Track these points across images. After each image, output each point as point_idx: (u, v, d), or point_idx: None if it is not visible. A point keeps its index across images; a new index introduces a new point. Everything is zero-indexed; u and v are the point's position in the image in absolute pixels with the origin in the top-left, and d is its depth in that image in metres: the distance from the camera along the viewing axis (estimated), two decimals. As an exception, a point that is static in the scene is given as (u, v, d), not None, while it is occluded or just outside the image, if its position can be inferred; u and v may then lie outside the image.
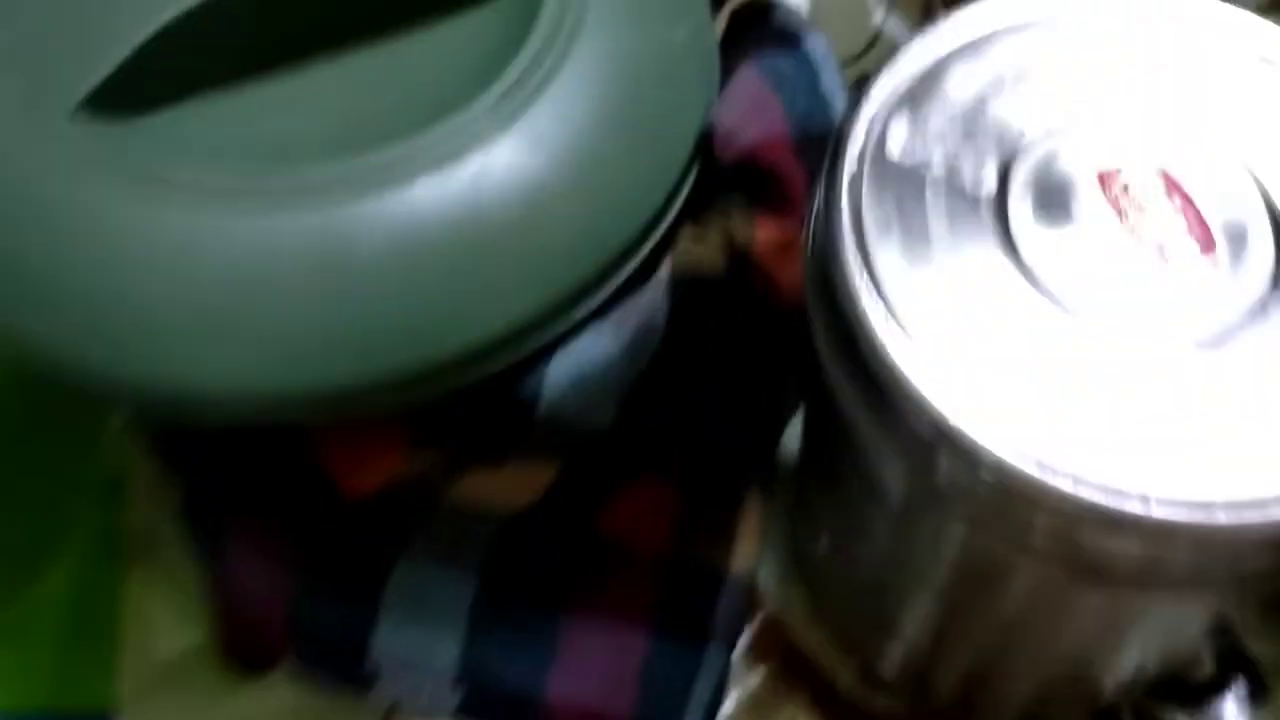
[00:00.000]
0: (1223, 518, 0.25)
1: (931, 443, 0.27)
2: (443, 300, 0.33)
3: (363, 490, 0.36)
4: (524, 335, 0.34)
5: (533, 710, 0.40)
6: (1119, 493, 0.25)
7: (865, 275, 0.28)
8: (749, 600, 0.43)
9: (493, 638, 0.40)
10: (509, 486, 0.38)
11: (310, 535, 0.39)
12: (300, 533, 0.39)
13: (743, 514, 0.42)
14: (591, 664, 0.41)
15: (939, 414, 0.26)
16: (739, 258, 0.38)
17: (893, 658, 0.41)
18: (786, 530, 0.44)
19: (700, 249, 0.38)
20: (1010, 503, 0.27)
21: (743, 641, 0.43)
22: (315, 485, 0.36)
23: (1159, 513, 0.25)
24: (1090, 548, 0.27)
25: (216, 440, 0.38)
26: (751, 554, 0.42)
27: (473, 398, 0.34)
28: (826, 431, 0.35)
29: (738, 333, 0.39)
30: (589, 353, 0.35)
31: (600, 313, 0.35)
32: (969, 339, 0.27)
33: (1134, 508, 0.25)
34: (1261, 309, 0.28)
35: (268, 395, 0.32)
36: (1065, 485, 0.25)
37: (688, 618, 0.41)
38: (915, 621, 0.37)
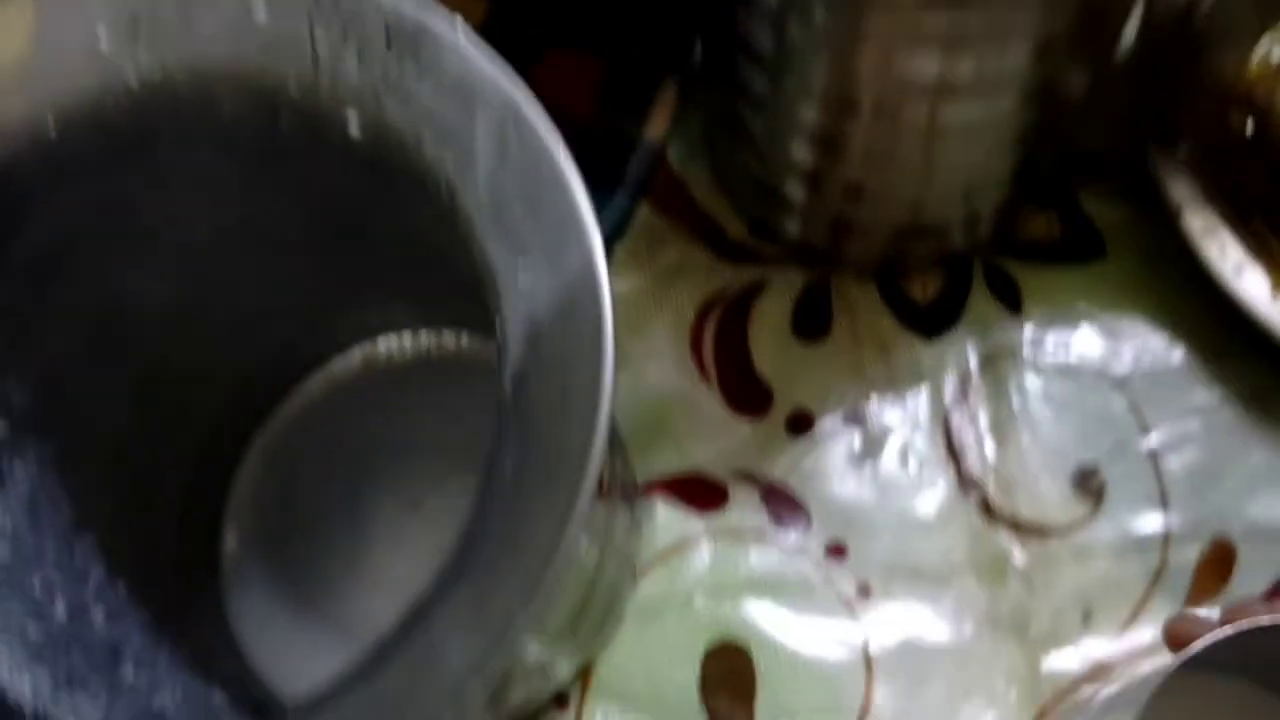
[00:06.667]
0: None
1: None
2: None
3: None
4: None
5: None
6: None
7: None
8: (658, 164, 0.51)
9: None
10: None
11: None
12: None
13: (659, 92, 0.51)
14: None
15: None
16: None
17: (776, 214, 0.48)
18: (697, 121, 0.52)
19: None
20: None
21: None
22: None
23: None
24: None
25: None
26: (663, 126, 0.51)
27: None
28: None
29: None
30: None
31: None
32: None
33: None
34: None
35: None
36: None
37: (601, 170, 0.47)
38: (792, 176, 0.45)
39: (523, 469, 0.25)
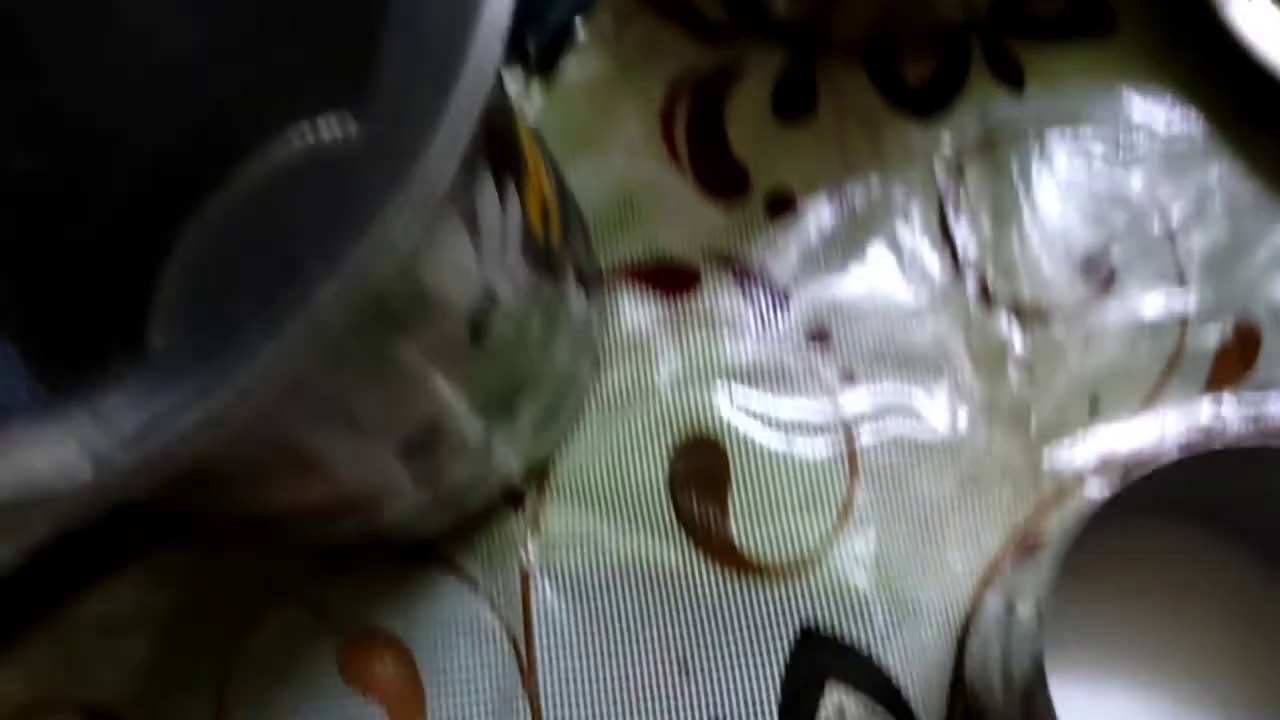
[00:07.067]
0: None
1: None
2: None
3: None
4: None
5: None
6: None
7: None
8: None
9: None
10: None
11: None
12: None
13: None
14: None
15: None
16: None
17: None
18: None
19: None
20: None
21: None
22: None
23: None
24: None
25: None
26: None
27: None
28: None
29: None
30: None
31: None
32: None
33: None
34: None
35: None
36: None
37: None
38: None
39: (406, 86, 0.21)
